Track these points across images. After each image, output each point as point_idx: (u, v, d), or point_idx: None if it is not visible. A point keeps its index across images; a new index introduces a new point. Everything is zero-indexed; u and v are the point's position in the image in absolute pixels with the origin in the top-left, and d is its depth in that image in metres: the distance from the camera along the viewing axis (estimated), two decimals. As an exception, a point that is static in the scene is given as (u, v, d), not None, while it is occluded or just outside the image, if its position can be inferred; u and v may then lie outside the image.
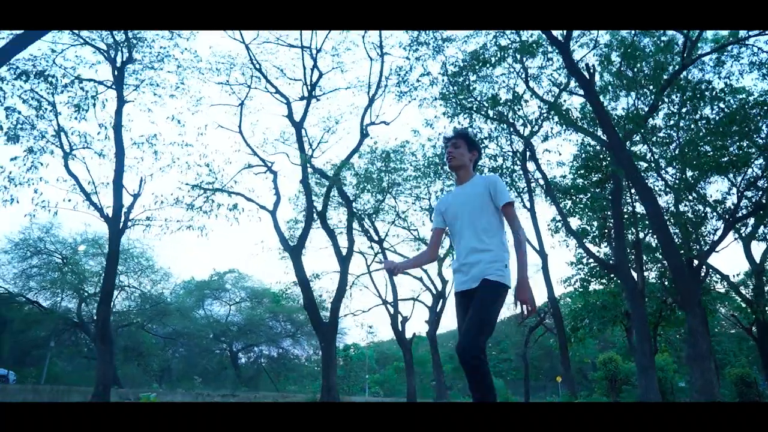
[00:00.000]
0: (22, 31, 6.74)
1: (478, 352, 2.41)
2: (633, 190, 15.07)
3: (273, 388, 38.84)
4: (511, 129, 16.93)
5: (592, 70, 11.30)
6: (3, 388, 13.09)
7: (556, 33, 10.59)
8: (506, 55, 13.44)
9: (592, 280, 19.01)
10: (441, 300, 21.15)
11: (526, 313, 2.53)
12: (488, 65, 13.84)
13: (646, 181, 13.86)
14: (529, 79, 14.61)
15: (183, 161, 14.19)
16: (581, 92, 10.88)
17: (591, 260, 18.60)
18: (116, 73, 13.18)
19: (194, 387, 28.48)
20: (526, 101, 14.29)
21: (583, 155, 17.89)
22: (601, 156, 17.18)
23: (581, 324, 18.11)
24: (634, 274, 13.70)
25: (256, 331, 41.85)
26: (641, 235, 16.65)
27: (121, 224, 11.53)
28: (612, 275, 17.79)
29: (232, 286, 41.69)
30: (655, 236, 14.19)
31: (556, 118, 15.27)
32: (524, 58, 13.93)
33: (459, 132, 3.03)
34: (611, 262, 15.19)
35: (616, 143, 9.26)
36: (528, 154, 17.77)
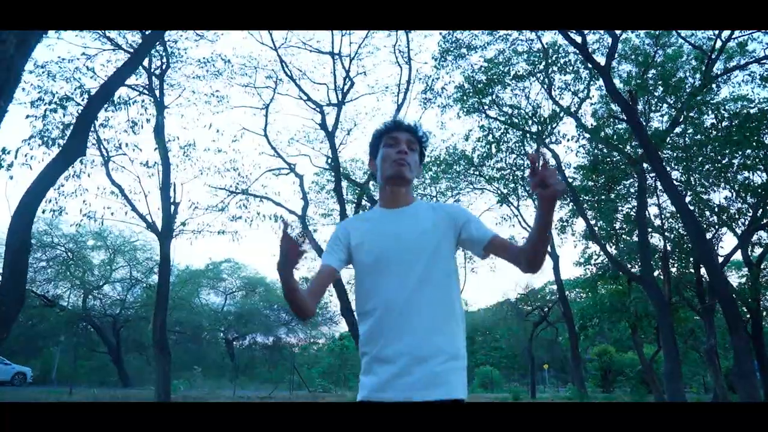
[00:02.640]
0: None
1: None
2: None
3: (269, 376, 39.36)
4: (527, 135, 17.47)
5: (634, 95, 11.82)
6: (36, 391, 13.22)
7: (598, 57, 11.07)
8: (536, 70, 13.90)
9: (600, 280, 19.80)
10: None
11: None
12: (517, 79, 14.31)
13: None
14: (552, 89, 15.15)
15: (215, 166, 14.40)
16: (623, 117, 11.40)
17: (599, 260, 19.45)
18: (153, 80, 13.26)
19: (195, 377, 28.80)
20: (561, 119, 14.79)
21: (591, 157, 18.55)
22: (608, 159, 17.87)
23: (590, 323, 18.94)
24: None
25: (252, 320, 42.17)
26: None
27: (175, 233, 11.77)
28: (617, 275, 18.69)
29: (229, 276, 41.86)
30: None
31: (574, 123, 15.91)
32: (551, 72, 14.42)
33: (421, 131, 1.89)
34: (624, 264, 15.95)
35: (658, 168, 9.84)
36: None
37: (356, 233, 1.79)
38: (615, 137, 15.81)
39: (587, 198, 18.69)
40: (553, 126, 14.24)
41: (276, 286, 41.29)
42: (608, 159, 17.94)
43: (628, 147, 15.32)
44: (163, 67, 12.97)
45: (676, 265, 17.71)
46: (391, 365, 1.56)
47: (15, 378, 18.89)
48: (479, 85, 15.22)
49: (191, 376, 28.40)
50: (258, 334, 44.29)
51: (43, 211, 11.75)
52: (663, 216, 17.11)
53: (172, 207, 12.09)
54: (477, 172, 20.06)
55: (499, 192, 19.62)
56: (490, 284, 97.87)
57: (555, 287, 34.72)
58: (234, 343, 42.20)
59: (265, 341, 45.00)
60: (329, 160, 16.63)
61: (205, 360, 37.81)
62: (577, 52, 11.90)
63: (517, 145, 17.28)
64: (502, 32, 14.34)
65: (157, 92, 12.90)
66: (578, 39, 11.89)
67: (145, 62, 13.43)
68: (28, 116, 10.14)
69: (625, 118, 10.65)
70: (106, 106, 12.30)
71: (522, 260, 1.63)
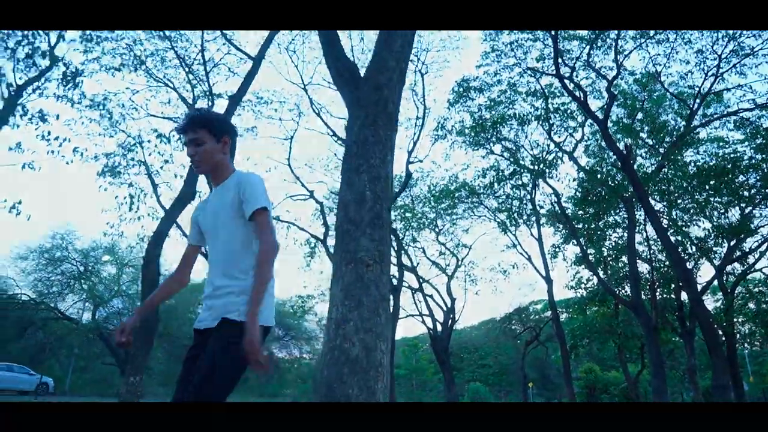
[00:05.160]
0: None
1: None
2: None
3: (261, 391, 40.24)
4: (524, 170, 19.17)
5: (630, 147, 13.54)
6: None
7: (594, 108, 12.77)
8: (538, 114, 15.65)
9: (589, 303, 21.44)
10: (451, 315, 23.23)
11: (250, 360, 1.81)
12: (520, 122, 16.05)
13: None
14: (551, 131, 16.92)
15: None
16: (618, 164, 13.11)
17: (589, 284, 21.13)
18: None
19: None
20: (561, 161, 16.50)
21: (581, 189, 20.28)
22: (598, 191, 19.65)
23: (580, 343, 20.53)
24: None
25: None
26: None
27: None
28: (606, 299, 20.40)
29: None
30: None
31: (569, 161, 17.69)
32: (551, 117, 16.18)
33: (193, 119, 2.15)
34: (616, 292, 17.63)
35: (647, 207, 11.51)
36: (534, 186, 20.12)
37: (198, 213, 2.27)
38: (606, 172, 17.61)
39: (579, 227, 20.41)
40: (555, 167, 15.92)
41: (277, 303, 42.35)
42: (598, 191, 19.75)
43: (617, 179, 17.09)
44: (208, 104, 14.32)
45: (658, 291, 19.46)
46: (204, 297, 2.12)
47: (39, 388, 19.71)
48: (486, 124, 16.91)
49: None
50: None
51: (105, 234, 13.02)
52: (649, 246, 18.85)
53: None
54: (477, 200, 21.64)
55: (498, 221, 21.22)
56: (474, 303, 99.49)
57: (539, 306, 36.56)
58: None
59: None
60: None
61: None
62: (577, 105, 13.62)
63: (516, 178, 18.97)
64: (506, 66, 16.13)
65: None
66: (570, 81, 13.71)
67: (189, 99, 14.82)
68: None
69: (621, 166, 12.32)
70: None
71: None
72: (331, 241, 17.68)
